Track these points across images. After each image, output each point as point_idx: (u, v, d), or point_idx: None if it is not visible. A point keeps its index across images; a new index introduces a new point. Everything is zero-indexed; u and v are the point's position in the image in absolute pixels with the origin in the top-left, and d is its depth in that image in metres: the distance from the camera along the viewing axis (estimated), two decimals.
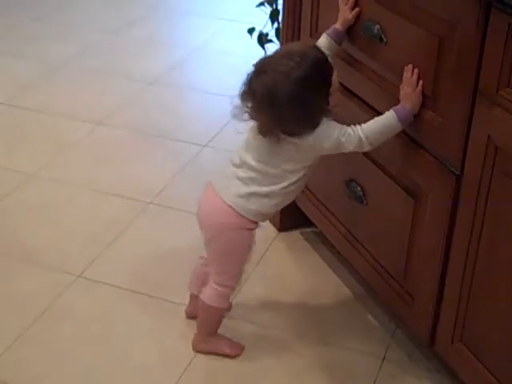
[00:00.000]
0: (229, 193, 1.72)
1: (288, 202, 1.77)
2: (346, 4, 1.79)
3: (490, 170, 1.45)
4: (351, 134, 1.64)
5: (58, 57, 3.53)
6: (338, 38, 1.80)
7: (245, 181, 1.71)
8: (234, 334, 1.92)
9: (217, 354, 1.88)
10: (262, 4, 2.59)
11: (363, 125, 1.65)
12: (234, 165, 1.73)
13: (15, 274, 2.14)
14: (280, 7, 2.39)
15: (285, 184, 1.70)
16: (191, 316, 1.97)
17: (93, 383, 1.80)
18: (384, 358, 1.88)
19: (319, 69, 1.61)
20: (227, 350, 1.88)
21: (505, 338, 1.50)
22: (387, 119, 1.64)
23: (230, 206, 1.71)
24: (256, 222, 1.76)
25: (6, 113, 3.04)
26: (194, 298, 1.94)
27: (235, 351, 1.88)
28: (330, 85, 1.64)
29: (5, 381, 1.79)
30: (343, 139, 1.63)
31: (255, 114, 1.63)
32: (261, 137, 1.67)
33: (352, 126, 1.65)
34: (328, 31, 1.81)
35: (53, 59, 3.51)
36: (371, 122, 1.66)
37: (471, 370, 1.60)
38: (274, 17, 2.54)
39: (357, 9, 1.78)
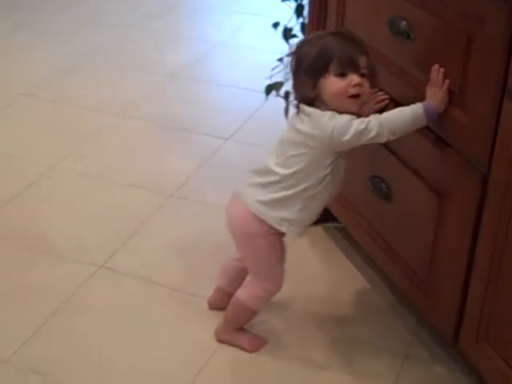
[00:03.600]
0: (252, 200, 1.71)
1: (316, 208, 1.72)
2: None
3: None
4: (372, 120, 1.61)
5: (81, 49, 3.54)
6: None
7: (266, 187, 1.70)
8: (258, 328, 1.92)
9: (237, 347, 1.88)
10: None
11: (385, 113, 1.64)
12: (257, 171, 1.73)
13: (37, 265, 2.15)
14: (305, 2, 2.37)
15: (303, 186, 1.67)
16: (213, 307, 1.97)
17: (114, 374, 1.80)
18: (406, 357, 1.87)
19: (317, 54, 1.62)
20: (246, 346, 1.88)
21: None
22: (412, 109, 1.62)
23: (253, 213, 1.71)
24: (282, 233, 1.75)
25: (28, 104, 3.06)
26: (221, 290, 1.95)
27: (254, 347, 1.88)
28: (321, 73, 1.61)
29: (26, 369, 1.80)
30: (362, 126, 1.60)
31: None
32: (283, 141, 1.69)
33: (371, 115, 1.64)
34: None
35: (75, 51, 3.52)
36: (394, 110, 1.64)
37: (496, 370, 1.59)
38: (299, 11, 2.53)
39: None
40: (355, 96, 1.62)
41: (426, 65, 1.63)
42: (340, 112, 1.62)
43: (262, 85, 2.58)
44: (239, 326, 1.88)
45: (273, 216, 1.70)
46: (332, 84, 1.61)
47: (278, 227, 1.71)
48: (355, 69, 1.61)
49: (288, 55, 2.52)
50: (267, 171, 1.70)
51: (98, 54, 3.52)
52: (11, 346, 1.86)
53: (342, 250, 2.24)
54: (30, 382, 1.77)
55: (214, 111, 3.03)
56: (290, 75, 1.70)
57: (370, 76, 1.65)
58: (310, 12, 2.12)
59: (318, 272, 2.15)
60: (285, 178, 1.67)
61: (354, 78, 1.61)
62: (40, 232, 2.29)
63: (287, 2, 2.57)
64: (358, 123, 1.60)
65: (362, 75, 1.62)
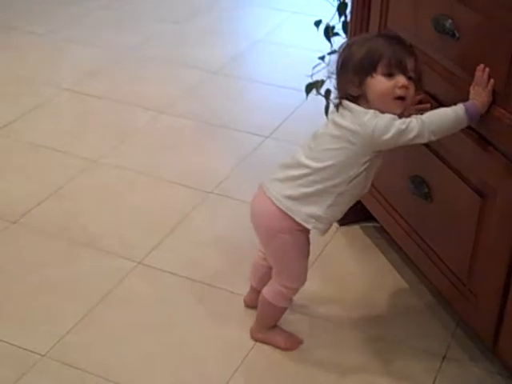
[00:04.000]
0: (279, 194, 1.70)
1: (344, 205, 1.72)
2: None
3: None
4: (413, 121, 1.60)
5: (123, 45, 3.57)
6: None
7: (295, 180, 1.68)
8: (292, 327, 1.91)
9: (272, 346, 1.88)
10: None
11: (426, 113, 1.63)
12: (286, 165, 1.73)
13: (77, 258, 2.17)
14: (348, 0, 2.36)
15: (336, 182, 1.66)
16: (249, 305, 1.98)
17: (151, 369, 1.81)
18: (444, 358, 1.86)
19: (367, 54, 1.62)
20: (282, 345, 1.88)
21: None
22: (454, 110, 1.61)
23: (279, 208, 1.70)
24: (308, 230, 1.74)
25: (72, 99, 3.09)
26: (253, 289, 1.95)
27: (290, 346, 1.88)
28: (369, 72, 1.61)
29: (65, 362, 1.82)
30: (403, 126, 1.59)
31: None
32: (319, 135, 1.68)
33: (414, 115, 1.63)
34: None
35: (118, 47, 3.55)
36: (436, 110, 1.63)
37: None
38: (341, 10, 2.52)
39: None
40: (400, 98, 1.61)
41: (470, 64, 1.61)
42: (383, 113, 1.61)
43: (302, 83, 2.58)
44: (270, 324, 1.88)
45: (300, 212, 1.69)
46: (379, 83, 1.61)
47: (304, 224, 1.70)
48: (403, 71, 1.61)
49: (330, 53, 2.52)
50: (297, 165, 1.69)
51: (142, 49, 3.54)
52: (50, 341, 1.88)
53: (380, 250, 2.23)
54: (67, 377, 1.79)
55: (254, 109, 3.03)
56: (335, 73, 1.70)
57: (417, 80, 1.64)
58: (352, 10, 2.11)
59: (355, 271, 2.15)
60: (316, 171, 1.66)
61: (401, 80, 1.60)
62: (81, 226, 2.31)
63: (329, 0, 2.56)
64: (399, 123, 1.60)
65: (409, 78, 1.61)
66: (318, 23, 2.60)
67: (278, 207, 1.70)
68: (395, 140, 1.61)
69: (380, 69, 1.60)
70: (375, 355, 1.87)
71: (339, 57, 1.69)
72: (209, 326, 1.94)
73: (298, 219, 1.70)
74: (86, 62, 3.40)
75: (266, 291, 1.83)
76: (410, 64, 1.61)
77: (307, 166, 1.68)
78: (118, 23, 3.84)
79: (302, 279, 1.80)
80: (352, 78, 1.63)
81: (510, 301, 1.63)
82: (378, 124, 1.59)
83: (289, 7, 4.05)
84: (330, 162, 1.65)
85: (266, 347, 1.88)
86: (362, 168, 1.66)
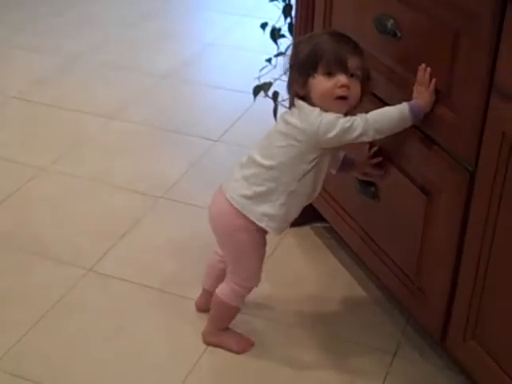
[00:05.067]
0: (234, 194, 1.71)
1: (297, 205, 1.73)
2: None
3: (505, 167, 1.43)
4: (357, 119, 1.61)
5: (73, 51, 3.54)
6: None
7: (249, 179, 1.70)
8: (244, 328, 1.91)
9: (224, 349, 1.87)
10: None
11: (371, 112, 1.64)
12: (242, 164, 1.74)
13: (28, 267, 2.15)
14: (293, 2, 2.37)
15: (286, 179, 1.67)
16: (201, 309, 1.98)
17: (104, 377, 1.80)
18: (395, 355, 1.87)
19: (309, 53, 1.63)
20: (234, 347, 1.88)
21: None
22: (398, 109, 1.62)
23: (235, 208, 1.71)
24: (264, 230, 1.74)
25: (21, 106, 3.06)
26: (206, 292, 1.95)
27: (242, 348, 1.88)
28: (310, 72, 1.62)
29: (15, 371, 1.80)
30: (348, 124, 1.60)
31: None
32: (270, 133, 1.69)
33: (359, 113, 1.64)
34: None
35: (67, 53, 3.52)
36: (380, 109, 1.64)
37: (484, 368, 1.59)
38: (287, 12, 2.52)
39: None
40: (342, 97, 1.62)
41: (412, 63, 1.63)
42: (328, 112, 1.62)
43: (251, 86, 2.58)
44: (223, 325, 1.88)
45: (254, 210, 1.70)
46: (319, 83, 1.61)
47: (257, 222, 1.71)
48: (343, 69, 1.60)
49: (277, 55, 2.54)
50: (252, 162, 1.70)
51: (91, 55, 3.51)
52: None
53: (329, 250, 2.24)
54: None
55: (204, 113, 3.03)
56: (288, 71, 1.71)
57: (364, 79, 1.64)
58: (297, 12, 2.12)
59: (306, 271, 2.16)
60: (268, 168, 1.67)
61: (342, 79, 1.60)
62: (31, 234, 2.28)
63: (275, 3, 2.57)
64: (343, 121, 1.60)
65: (352, 76, 1.61)
66: (264, 26, 2.61)
67: (234, 207, 1.71)
68: (339, 138, 1.61)
69: (320, 68, 1.61)
70: (327, 354, 1.87)
71: (291, 55, 1.70)
72: (160, 332, 1.93)
73: (252, 218, 1.71)
74: (35, 69, 3.37)
75: (220, 291, 1.82)
76: (352, 62, 1.61)
77: (260, 164, 1.69)
78: (68, 29, 3.81)
79: (257, 278, 1.81)
80: (297, 78, 1.65)
81: (457, 297, 1.65)
82: (323, 122, 1.60)
83: (238, 10, 4.06)
84: (279, 160, 1.66)
85: (218, 350, 1.87)
86: (310, 166, 1.66)
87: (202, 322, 1.92)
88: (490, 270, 1.53)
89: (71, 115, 2.98)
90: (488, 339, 1.58)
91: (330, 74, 1.60)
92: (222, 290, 1.82)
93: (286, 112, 1.70)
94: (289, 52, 1.74)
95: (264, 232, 1.76)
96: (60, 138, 2.81)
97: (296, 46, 1.70)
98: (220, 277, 1.88)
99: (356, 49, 1.65)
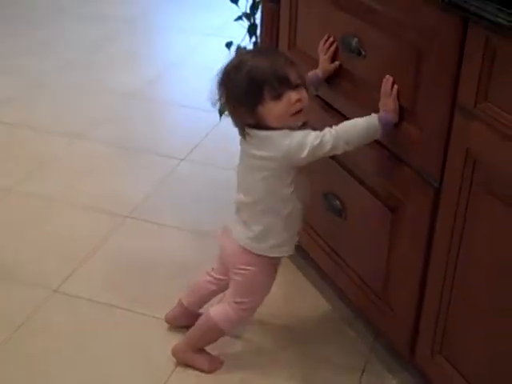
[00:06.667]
0: (241, 238, 1.73)
1: (297, 222, 1.74)
2: (325, 54, 1.79)
3: (469, 183, 1.45)
4: (326, 134, 1.61)
5: (37, 72, 3.52)
6: (316, 84, 1.81)
7: (245, 221, 1.71)
8: (213, 349, 1.90)
9: (194, 368, 1.86)
10: (239, 18, 2.59)
11: (340, 124, 1.64)
12: (236, 209, 1.74)
13: None
14: (258, 21, 2.39)
15: (276, 208, 1.68)
16: (170, 322, 1.97)
17: None
18: (363, 371, 1.88)
19: (248, 84, 1.59)
20: (205, 367, 1.86)
21: (485, 351, 1.50)
22: (367, 120, 1.63)
23: (245, 248, 1.72)
24: (277, 258, 1.76)
25: None
26: (182, 307, 1.93)
27: (212, 368, 1.87)
28: (257, 102, 1.59)
29: None
30: (317, 141, 1.60)
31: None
32: (242, 169, 1.70)
33: (326, 128, 1.64)
34: (309, 74, 1.80)
35: (32, 75, 3.50)
36: (350, 121, 1.65)
37: (451, 382, 1.60)
38: (251, 31, 2.55)
39: (336, 62, 1.78)
40: (298, 112, 1.62)
41: (377, 82, 1.64)
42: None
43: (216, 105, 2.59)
44: (201, 345, 1.86)
45: (263, 247, 1.72)
46: (272, 108, 1.59)
47: (270, 255, 1.73)
48: (289, 86, 1.59)
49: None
50: (241, 205, 1.72)
51: (56, 76, 3.49)
52: None
53: (298, 268, 2.24)
54: None
55: (169, 132, 3.03)
56: (221, 101, 1.66)
57: (304, 83, 1.64)
58: (261, 31, 2.14)
59: (274, 290, 2.13)
60: (256, 205, 1.68)
61: (293, 96, 1.59)
62: None
63: (240, 22, 2.59)
64: (313, 139, 1.60)
65: (297, 86, 1.60)
66: (229, 45, 2.62)
67: (243, 247, 1.73)
68: (311, 155, 1.62)
69: (267, 95, 1.58)
70: (296, 373, 1.87)
71: (220, 87, 1.65)
72: (129, 353, 1.92)
73: (263, 253, 1.72)
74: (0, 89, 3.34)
75: (216, 313, 1.80)
76: (291, 74, 1.60)
77: (247, 204, 1.70)
78: (31, 50, 3.78)
79: (255, 310, 1.82)
80: (243, 110, 1.61)
81: (424, 312, 1.66)
82: (292, 144, 1.60)
83: (202, 30, 4.07)
84: (261, 193, 1.67)
85: (187, 370, 1.86)
86: (291, 188, 1.67)
87: (169, 341, 1.90)
88: (456, 285, 1.55)
89: (36, 136, 2.96)
90: (455, 354, 1.59)
91: (279, 96, 1.58)
92: (219, 314, 1.80)
93: (246, 145, 1.66)
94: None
95: (276, 266, 1.78)
96: (25, 159, 2.79)
97: (227, 75, 1.64)
98: (205, 298, 1.89)
99: (287, 59, 1.65)
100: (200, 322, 1.83)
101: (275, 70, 1.59)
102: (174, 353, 1.87)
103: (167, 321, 1.97)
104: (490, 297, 1.46)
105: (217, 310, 1.81)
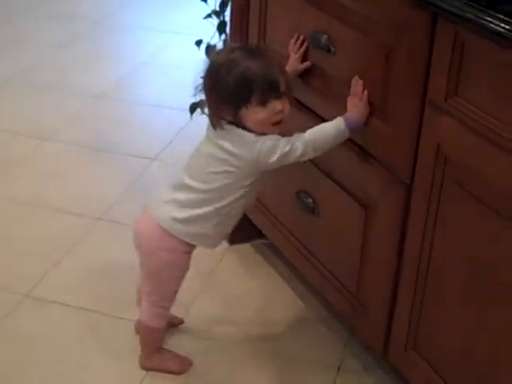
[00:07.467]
0: (165, 217, 1.69)
1: (230, 223, 1.73)
2: (296, 53, 1.78)
3: (440, 179, 1.45)
4: (296, 141, 1.61)
5: (4, 72, 3.46)
6: None
7: (182, 203, 1.68)
8: (186, 350, 1.89)
9: (164, 372, 1.85)
10: (209, 16, 2.57)
11: (308, 131, 1.63)
12: (172, 186, 1.71)
13: None
14: (227, 19, 2.38)
15: (223, 203, 1.66)
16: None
17: None
18: (338, 369, 1.87)
19: (238, 84, 1.57)
20: (174, 368, 1.85)
21: (458, 346, 1.50)
22: (335, 125, 1.63)
23: (166, 230, 1.69)
24: (193, 246, 1.74)
25: None
26: None
27: (182, 368, 1.86)
28: (243, 104, 1.57)
29: None
30: (287, 148, 1.60)
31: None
32: (201, 155, 1.67)
33: (295, 133, 1.63)
34: None
35: None
36: (317, 127, 1.64)
37: (425, 378, 1.60)
38: (221, 28, 2.53)
39: (307, 63, 1.77)
40: (278, 121, 1.61)
41: (347, 78, 1.64)
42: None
43: (187, 103, 2.58)
44: (155, 348, 1.86)
45: (187, 232, 1.69)
46: (255, 114, 1.58)
47: (191, 242, 1.71)
48: (276, 94, 1.58)
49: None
50: (184, 186, 1.68)
51: (22, 76, 3.44)
52: None
53: (272, 267, 2.23)
54: None
55: (140, 131, 3.00)
56: (203, 92, 1.65)
57: (289, 92, 1.63)
58: (231, 29, 2.12)
59: (248, 289, 2.15)
60: (202, 193, 1.66)
61: (277, 106, 1.58)
62: None
63: (210, 20, 2.57)
64: (283, 145, 1.60)
65: (283, 95, 1.60)
66: (198, 43, 2.61)
67: (163, 228, 1.69)
68: (280, 162, 1.62)
69: (254, 99, 1.56)
70: (271, 372, 1.86)
71: (206, 78, 1.63)
72: (100, 357, 1.90)
73: (184, 239, 1.69)
74: None
75: (142, 317, 1.81)
76: (281, 82, 1.59)
77: (193, 188, 1.67)
78: None
79: (173, 299, 1.81)
80: (225, 107, 1.60)
81: (397, 309, 1.66)
82: (262, 148, 1.59)
83: (170, 28, 4.04)
84: (215, 185, 1.64)
85: (158, 374, 1.84)
86: (247, 189, 1.66)
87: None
88: (428, 281, 1.55)
89: (3, 137, 2.92)
90: (428, 350, 1.59)
91: (265, 102, 1.57)
92: (145, 316, 1.80)
93: (215, 134, 1.64)
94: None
95: (190, 253, 1.75)
96: None
97: (215, 69, 1.61)
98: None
99: (280, 68, 1.64)
100: (138, 328, 1.86)
101: (267, 75, 1.58)
102: (141, 365, 1.86)
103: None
104: (463, 293, 1.46)
105: (141, 312, 1.82)
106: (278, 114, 1.59)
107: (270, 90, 1.57)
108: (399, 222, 1.59)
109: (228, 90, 1.58)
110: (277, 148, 1.60)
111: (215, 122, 1.63)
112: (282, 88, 1.59)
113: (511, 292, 1.35)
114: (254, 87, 1.56)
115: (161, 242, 1.70)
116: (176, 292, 1.79)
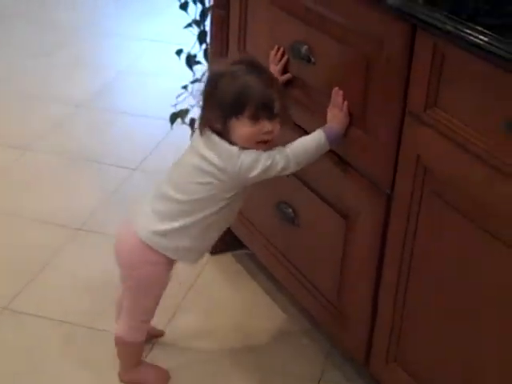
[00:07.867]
0: (145, 229, 1.67)
1: (212, 236, 1.72)
2: (276, 65, 1.77)
3: (420, 190, 1.45)
4: (277, 156, 1.60)
5: None
6: None
7: (162, 215, 1.66)
8: (167, 362, 1.88)
9: None
10: (189, 25, 2.57)
11: (289, 145, 1.63)
12: (153, 197, 1.70)
13: None
14: (208, 28, 2.37)
15: (203, 214, 1.64)
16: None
17: None
18: (320, 381, 1.87)
19: (236, 95, 1.57)
20: (152, 381, 1.85)
21: (438, 358, 1.50)
22: (315, 138, 1.63)
23: (145, 243, 1.67)
24: (173, 262, 1.72)
25: None
26: None
27: (161, 382, 1.85)
28: (234, 113, 1.57)
29: None
30: (269, 162, 1.59)
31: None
32: (183, 165, 1.66)
33: (277, 147, 1.62)
34: None
35: None
36: (298, 141, 1.64)
37: None
38: (201, 38, 2.52)
39: (288, 74, 1.77)
40: (264, 142, 1.60)
41: (327, 88, 1.64)
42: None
43: (167, 113, 2.57)
44: (134, 361, 1.84)
45: (168, 245, 1.67)
46: (243, 127, 1.57)
47: (172, 257, 1.69)
48: (269, 115, 1.58)
49: (193, 82, 2.52)
50: (164, 197, 1.67)
51: (1, 85, 3.42)
52: None
53: (252, 277, 2.22)
54: None
55: (120, 141, 2.98)
56: (201, 100, 1.66)
57: (283, 112, 1.61)
58: (211, 39, 2.12)
59: (229, 300, 2.14)
60: (183, 204, 1.64)
61: (266, 126, 1.58)
62: None
63: (190, 29, 2.57)
64: (264, 159, 1.59)
65: (275, 117, 1.59)
66: (179, 52, 2.60)
67: (143, 241, 1.67)
68: (260, 176, 1.61)
69: (247, 112, 1.56)
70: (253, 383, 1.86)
71: (208, 85, 1.63)
72: (80, 370, 1.88)
73: (165, 253, 1.68)
74: None
75: (119, 330, 1.79)
76: (276, 105, 1.58)
77: (173, 199, 1.65)
78: None
79: (153, 313, 1.79)
80: (218, 114, 1.59)
81: (378, 320, 1.65)
82: (244, 162, 1.58)
83: (150, 36, 4.01)
84: (196, 196, 1.63)
85: None
86: (228, 202, 1.65)
87: None
88: (408, 291, 1.54)
89: None
90: (409, 361, 1.59)
91: (256, 118, 1.57)
92: (123, 330, 1.78)
93: (200, 144, 1.63)
94: (204, 78, 1.69)
95: (171, 266, 1.73)
96: None
97: (216, 78, 1.61)
98: None
99: (280, 90, 1.64)
100: (115, 342, 1.82)
101: (265, 95, 1.57)
102: (120, 378, 1.85)
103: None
104: (442, 303, 1.46)
105: (119, 326, 1.80)
106: (266, 134, 1.59)
107: (263, 108, 1.57)
108: (379, 232, 1.58)
109: (224, 98, 1.58)
110: (258, 163, 1.59)
111: (202, 127, 1.63)
112: (276, 110, 1.58)
113: (492, 303, 1.35)
114: (249, 102, 1.56)
115: (144, 255, 1.68)
116: (156, 305, 1.78)
